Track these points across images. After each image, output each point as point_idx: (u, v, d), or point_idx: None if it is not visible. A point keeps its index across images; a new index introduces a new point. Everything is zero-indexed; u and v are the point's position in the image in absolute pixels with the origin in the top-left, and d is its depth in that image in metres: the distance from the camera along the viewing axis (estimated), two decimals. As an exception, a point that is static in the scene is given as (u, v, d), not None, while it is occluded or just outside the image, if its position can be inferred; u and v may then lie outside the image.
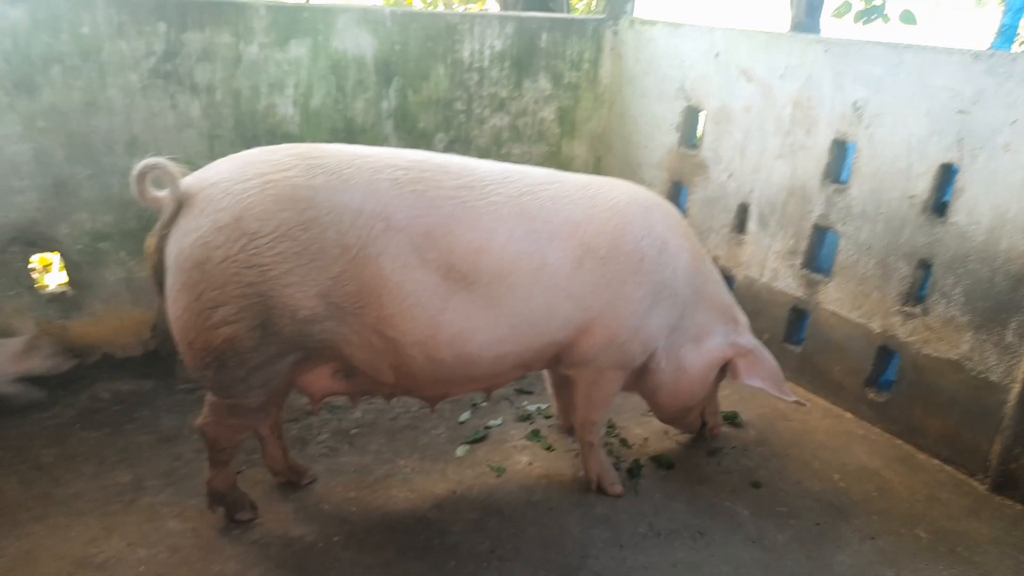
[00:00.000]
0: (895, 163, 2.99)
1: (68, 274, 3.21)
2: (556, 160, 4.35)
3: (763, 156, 3.53)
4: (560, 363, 2.54)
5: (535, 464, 2.87)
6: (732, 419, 3.21)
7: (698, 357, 2.68)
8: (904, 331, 3.07)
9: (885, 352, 3.20)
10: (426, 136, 3.86)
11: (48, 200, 3.03)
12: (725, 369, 2.78)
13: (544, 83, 4.13)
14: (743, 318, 2.79)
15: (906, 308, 3.05)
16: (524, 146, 4.21)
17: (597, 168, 4.54)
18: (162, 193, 2.07)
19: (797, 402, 2.75)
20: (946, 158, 2.82)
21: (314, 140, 3.52)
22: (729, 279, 3.80)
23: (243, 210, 2.00)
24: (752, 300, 3.62)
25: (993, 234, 2.71)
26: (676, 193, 4.10)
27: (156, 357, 3.42)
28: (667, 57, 3.94)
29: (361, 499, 2.61)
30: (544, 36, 4.03)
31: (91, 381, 3.21)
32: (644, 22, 4.06)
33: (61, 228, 3.09)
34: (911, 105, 2.89)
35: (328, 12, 3.39)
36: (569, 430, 3.07)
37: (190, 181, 2.07)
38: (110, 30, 2.94)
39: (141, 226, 3.22)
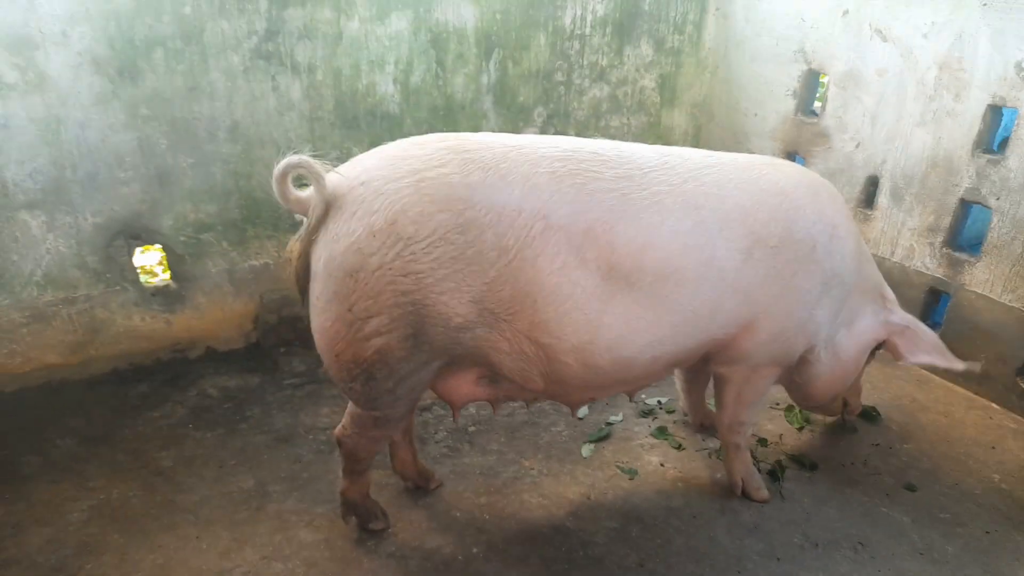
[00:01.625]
0: (1068, 132, 2.68)
1: (171, 267, 3.11)
2: (655, 132, 4.10)
3: (899, 124, 3.23)
4: (712, 361, 2.35)
5: (667, 465, 2.70)
6: (870, 415, 2.98)
7: (851, 342, 2.47)
8: (1071, 317, 2.79)
9: (1043, 339, 2.93)
10: (525, 111, 3.65)
11: (152, 191, 2.92)
12: (874, 350, 2.56)
13: (646, 49, 3.86)
14: (891, 294, 2.55)
15: (1074, 292, 2.77)
16: (623, 117, 3.97)
17: (697, 139, 4.27)
18: (306, 194, 1.91)
19: (969, 368, 2.51)
20: None
21: (414, 119, 3.34)
22: (853, 258, 3.53)
23: (398, 212, 1.83)
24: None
25: None
26: (789, 164, 3.81)
27: (258, 350, 3.34)
28: (784, 16, 3.63)
29: (493, 505, 2.48)
30: (652, -2, 3.75)
31: (197, 376, 3.14)
32: (757, -21, 3.75)
33: (164, 220, 2.99)
34: (1092, 66, 2.58)
35: (429, -19, 3.18)
36: (700, 427, 2.89)
37: (336, 180, 1.91)
38: (211, 9, 2.78)
39: (243, 216, 3.12)
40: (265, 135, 3.05)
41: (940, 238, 3.18)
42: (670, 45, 3.93)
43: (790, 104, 3.70)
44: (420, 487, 2.52)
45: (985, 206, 3.00)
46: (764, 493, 2.52)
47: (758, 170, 2.21)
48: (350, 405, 2.17)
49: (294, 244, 1.96)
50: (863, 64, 3.32)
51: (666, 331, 2.09)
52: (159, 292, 3.10)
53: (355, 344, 1.91)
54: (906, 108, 3.19)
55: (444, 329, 1.93)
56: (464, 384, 2.17)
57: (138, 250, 3.09)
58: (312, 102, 3.10)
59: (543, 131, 3.73)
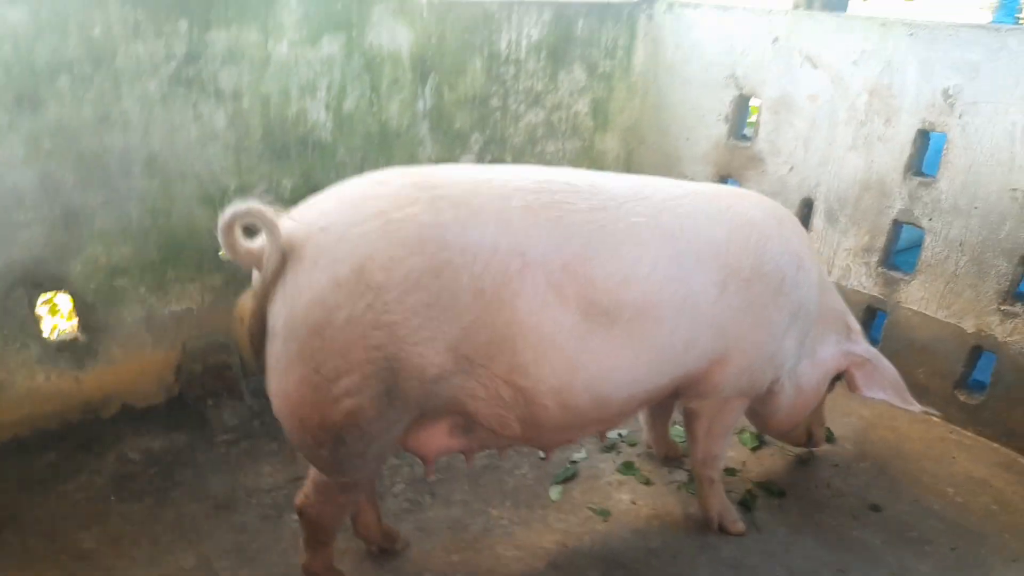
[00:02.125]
0: (994, 155, 2.81)
1: (80, 317, 2.77)
2: (589, 156, 4.06)
3: (832, 148, 3.32)
4: (682, 395, 2.29)
5: (639, 503, 2.61)
6: (827, 438, 3.01)
7: (813, 372, 2.48)
8: (1003, 331, 2.92)
9: (976, 353, 3.05)
10: (462, 137, 3.52)
11: (57, 234, 2.58)
12: (834, 380, 2.58)
13: (579, 73, 3.82)
14: (855, 325, 2.58)
15: (1005, 306, 2.90)
16: (558, 142, 3.91)
17: (628, 163, 4.27)
18: (258, 244, 1.70)
19: (926, 412, 2.58)
20: (1057, 149, 2.66)
21: (347, 148, 3.15)
22: (790, 278, 3.60)
23: (365, 259, 1.65)
24: (819, 300, 3.43)
25: (1114, 230, 2.57)
26: (721, 187, 3.86)
27: (181, 404, 3.02)
28: (715, 42, 3.68)
29: (466, 563, 2.31)
30: (580, 23, 3.71)
31: (114, 439, 2.79)
32: (685, 4, 3.79)
33: (72, 265, 2.65)
34: (1015, 92, 2.71)
35: (363, 2, 3.00)
36: (665, 459, 2.83)
37: (292, 227, 1.70)
38: (125, 31, 2.50)
39: (162, 257, 2.82)
40: (186, 168, 2.78)
41: (875, 258, 3.28)
42: (602, 70, 3.91)
43: (722, 128, 3.75)
44: (385, 549, 2.32)
45: (918, 226, 3.11)
46: (740, 526, 2.47)
47: (726, 200, 2.18)
48: (312, 472, 1.96)
49: (246, 302, 1.74)
50: (794, 89, 3.40)
51: (643, 368, 2.01)
52: (66, 347, 2.75)
53: (323, 408, 1.71)
54: (838, 132, 3.28)
55: (419, 382, 1.76)
56: (437, 436, 2.00)
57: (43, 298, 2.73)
58: (238, 131, 2.85)
59: (480, 158, 3.61)
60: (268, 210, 1.64)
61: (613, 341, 1.92)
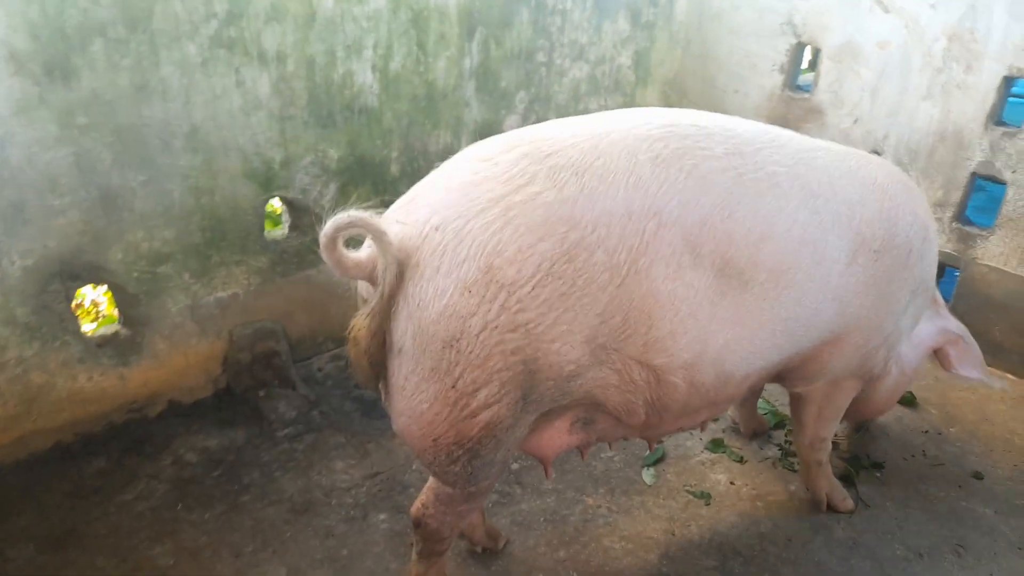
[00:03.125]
0: (1092, 103, 2.67)
1: (121, 310, 2.52)
2: (630, 112, 3.83)
3: (904, 97, 3.15)
4: (787, 379, 2.13)
5: (738, 483, 2.49)
6: (908, 399, 2.91)
7: (915, 352, 2.33)
8: (1092, 287, 2.82)
9: (1058, 308, 2.96)
10: (507, 96, 3.27)
11: (95, 219, 2.32)
12: None
13: (623, 24, 3.58)
14: (941, 298, 2.44)
15: (1096, 262, 2.79)
16: (601, 98, 3.68)
17: (668, 117, 4.05)
18: (365, 254, 1.50)
19: (1001, 387, 2.48)
20: None
21: (394, 112, 2.89)
22: (851, 236, 3.47)
23: (491, 255, 1.46)
24: (883, 258, 3.30)
25: None
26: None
27: (231, 397, 2.80)
28: (768, -13, 3.45)
29: (575, 558, 2.17)
30: (627, -32, 3.45)
31: (165, 440, 2.58)
32: (735, -53, 3.54)
33: (112, 253, 2.39)
34: (1120, 36, 2.56)
35: (409, -50, 2.72)
36: (752, 435, 2.70)
37: (402, 231, 1.50)
38: (160, -13, 2.20)
39: (206, 240, 2.57)
40: (229, 140, 2.51)
41: (949, 213, 3.14)
42: (645, 19, 3.66)
43: (777, 79, 3.55)
44: (488, 548, 2.17)
45: (999, 180, 2.97)
46: (850, 503, 2.37)
47: (853, 159, 1.99)
48: (432, 482, 1.78)
49: (361, 321, 1.53)
50: (861, 36, 3.20)
51: (766, 342, 1.84)
52: (107, 342, 2.50)
53: (460, 424, 1.54)
54: (911, 81, 3.11)
55: (556, 381, 1.59)
56: (558, 434, 1.83)
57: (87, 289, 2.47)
58: (283, 98, 2.58)
59: (525, 118, 3.37)
60: (372, 217, 1.43)
61: (742, 308, 1.74)
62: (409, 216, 1.53)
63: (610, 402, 1.72)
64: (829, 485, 2.36)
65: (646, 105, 3.90)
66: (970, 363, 2.39)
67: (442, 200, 1.53)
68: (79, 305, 3.15)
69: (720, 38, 3.71)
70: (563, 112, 3.51)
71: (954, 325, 2.40)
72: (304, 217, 2.83)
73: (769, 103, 3.61)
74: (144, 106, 2.29)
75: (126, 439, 2.55)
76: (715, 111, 3.73)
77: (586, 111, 3.59)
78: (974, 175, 3.04)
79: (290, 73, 2.57)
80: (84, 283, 2.41)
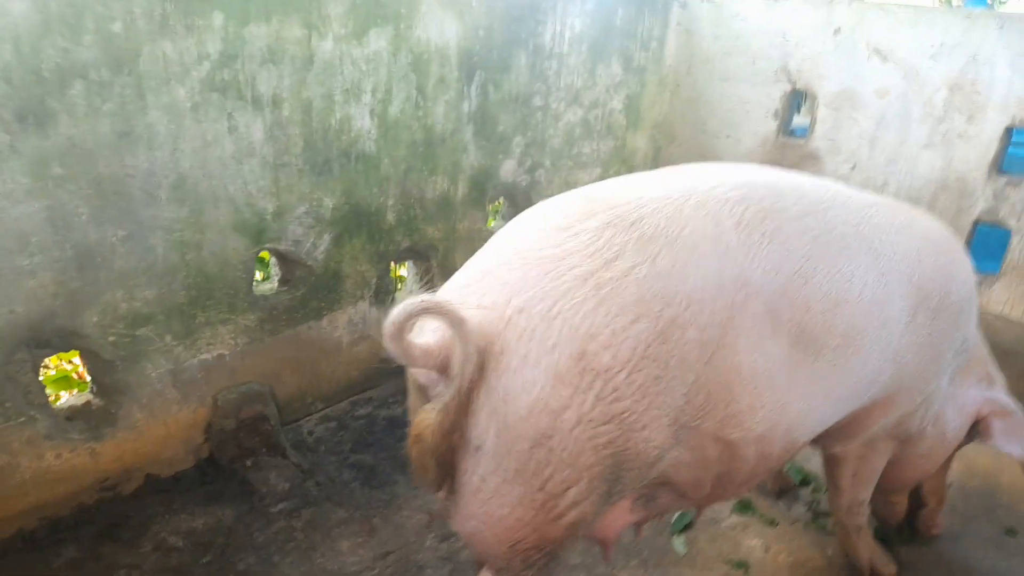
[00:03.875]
0: (1097, 152, 2.68)
1: (94, 379, 2.26)
2: (621, 156, 3.76)
3: (903, 146, 3.14)
4: (823, 438, 2.02)
5: (773, 548, 2.35)
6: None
7: (957, 418, 2.20)
8: (1100, 334, 2.81)
9: (1064, 356, 2.95)
10: (505, 141, 3.14)
11: (69, 280, 2.07)
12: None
13: (616, 67, 3.51)
14: (998, 374, 2.28)
15: (1103, 310, 2.79)
16: (594, 143, 3.58)
17: (656, 162, 3.99)
18: (436, 340, 1.32)
19: None
20: None
21: (391, 159, 2.72)
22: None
23: (585, 339, 1.30)
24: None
25: None
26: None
27: (215, 468, 2.55)
28: (762, 34, 3.43)
29: (614, 647, 1.99)
30: (620, 12, 3.39)
31: (144, 521, 2.30)
32: (727, -7, 3.53)
33: (87, 316, 2.14)
34: (1124, 87, 2.59)
35: (411, -9, 2.58)
36: (779, 493, 2.57)
37: (480, 316, 1.33)
38: (150, 26, 2.01)
39: (191, 299, 2.34)
40: (219, 190, 2.30)
41: (950, 260, 3.12)
42: (637, 63, 3.61)
43: (771, 125, 3.52)
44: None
45: (1003, 227, 2.96)
46: (893, 568, 2.25)
47: (904, 214, 1.91)
48: (485, 572, 1.59)
49: (430, 417, 1.34)
50: (859, 84, 3.19)
51: (831, 408, 1.73)
52: (78, 414, 2.24)
53: (544, 527, 1.36)
54: (911, 130, 3.10)
55: (640, 469, 1.43)
56: (620, 514, 1.67)
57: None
58: (277, 144, 2.39)
59: (520, 163, 3.24)
60: (448, 302, 1.25)
61: (814, 375, 1.63)
62: (485, 297, 1.36)
63: (680, 479, 1.58)
64: (870, 549, 2.24)
65: (636, 149, 3.83)
66: (1016, 440, 2.25)
67: (523, 278, 1.36)
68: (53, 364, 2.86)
69: (711, 83, 3.68)
70: (558, 156, 3.40)
71: (1005, 399, 2.27)
72: (296, 270, 2.62)
73: (763, 149, 3.58)
74: (127, 155, 2.07)
75: (100, 522, 2.27)
76: (706, 156, 3.71)
77: (579, 155, 3.50)
78: (977, 222, 3.03)
79: (285, 118, 2.38)
80: (54, 350, 2.15)
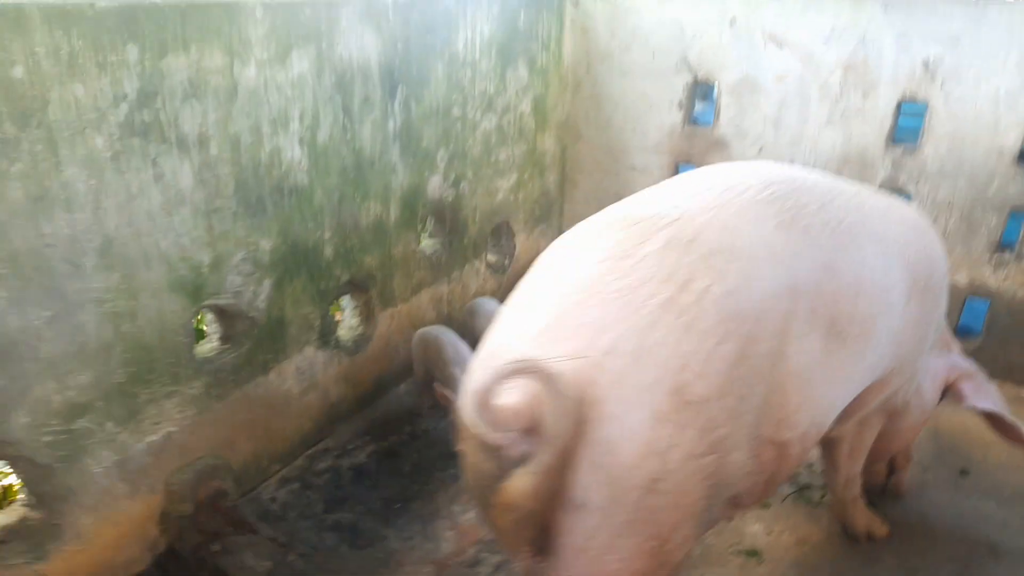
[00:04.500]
0: (979, 119, 2.96)
1: (30, 489, 1.90)
2: (532, 159, 3.72)
3: (806, 126, 3.32)
4: None
5: (774, 531, 2.41)
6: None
7: (932, 387, 2.31)
8: (996, 279, 3.12)
9: (963, 304, 3.25)
10: (430, 156, 3.00)
11: (-10, 379, 1.72)
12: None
13: (522, 71, 3.45)
14: (955, 342, 2.42)
15: (996, 257, 3.10)
16: (509, 148, 3.51)
17: (563, 162, 3.99)
18: (520, 402, 1.21)
19: None
20: (1039, 107, 2.85)
21: (324, 188, 2.51)
22: (766, 258, 3.60)
23: (678, 371, 1.25)
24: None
25: (1096, 175, 2.82)
26: (671, 176, 3.74)
27: (176, 560, 2.24)
28: (659, 28, 3.50)
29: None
30: (522, 14, 3.33)
31: (109, 639, 1.98)
32: (620, -11, 3.56)
33: (16, 418, 1.79)
34: (997, 60, 2.86)
35: (330, 6, 2.37)
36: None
37: (570, 367, 1.22)
38: (57, 66, 1.69)
39: (130, 376, 2.04)
40: (150, 249, 2.00)
41: (857, 227, 3.35)
42: (540, 64, 3.57)
43: (676, 116, 3.61)
44: None
45: (904, 193, 3.21)
46: (886, 528, 2.37)
47: (883, 199, 1.99)
48: None
49: (524, 482, 1.21)
50: (758, 71, 3.34)
51: (848, 394, 1.79)
52: (14, 534, 1.87)
53: (655, 574, 1.28)
54: (811, 110, 3.28)
55: (728, 492, 1.39)
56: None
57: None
58: (207, 188, 2.12)
59: (445, 176, 3.11)
60: (534, 360, 1.16)
61: (841, 364, 1.66)
62: (566, 343, 1.26)
63: (742, 488, 1.55)
64: (866, 517, 2.35)
65: (545, 150, 3.80)
66: (985, 397, 2.39)
67: (602, 316, 1.28)
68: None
69: (612, 79, 3.71)
70: (477, 165, 3.30)
71: (965, 363, 2.38)
72: (237, 324, 2.35)
73: (670, 139, 3.66)
74: (44, 222, 1.75)
75: (52, 656, 1.92)
76: (614, 152, 3.75)
77: (497, 162, 3.42)
78: (879, 189, 3.26)
79: (214, 158, 2.12)
80: (-24, 465, 1.78)
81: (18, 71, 1.62)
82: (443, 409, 2.76)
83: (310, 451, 2.74)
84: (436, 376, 2.76)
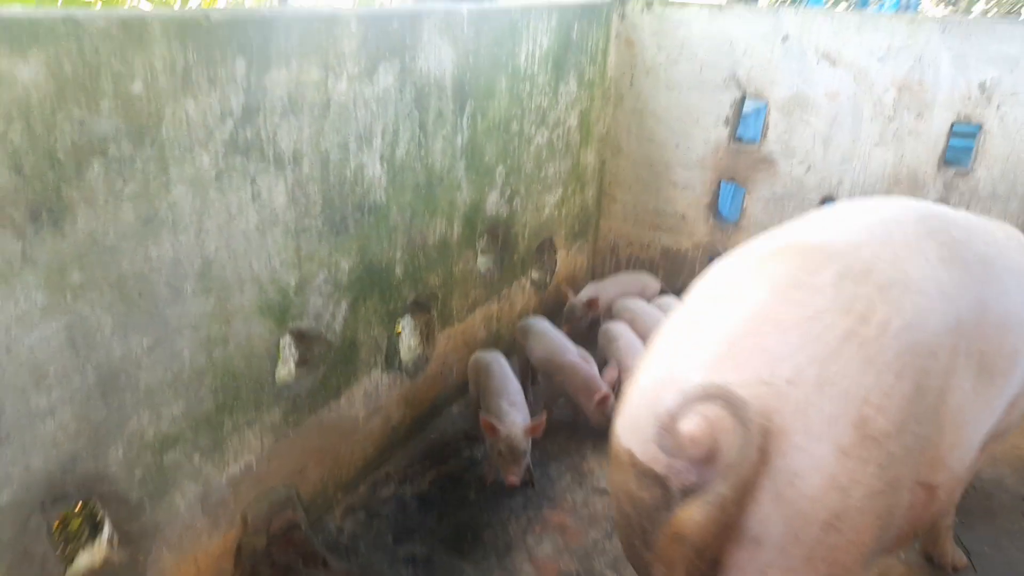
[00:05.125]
0: (1035, 142, 3.00)
1: (116, 527, 1.78)
2: (576, 174, 3.67)
3: (856, 145, 3.32)
4: None
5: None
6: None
7: None
8: (1044, 301, 3.15)
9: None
10: (490, 172, 2.93)
11: (92, 411, 1.61)
12: None
13: (572, 84, 3.40)
14: None
15: (1045, 279, 3.13)
16: (556, 163, 3.46)
17: (602, 176, 3.95)
18: (698, 428, 1.19)
19: None
20: (1097, 132, 2.89)
21: (399, 206, 2.43)
22: (810, 276, 3.60)
23: (861, 404, 1.23)
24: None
25: None
26: (714, 193, 3.72)
27: (252, 594, 2.13)
28: (708, 42, 3.48)
29: None
30: (576, 27, 3.29)
31: None
32: (668, 3, 3.53)
33: (112, 453, 1.68)
34: (1055, 83, 2.90)
35: (415, 19, 2.29)
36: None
37: (755, 394, 1.19)
38: (173, 81, 1.59)
39: (218, 404, 1.96)
40: (244, 271, 1.90)
41: (905, 247, 3.36)
42: (588, 77, 3.52)
43: (723, 132, 3.59)
44: None
45: (953, 213, 3.23)
46: (964, 557, 2.36)
47: (996, 226, 1.99)
48: None
49: (698, 513, 1.18)
50: (809, 88, 3.34)
51: (983, 436, 1.76)
52: (100, 574, 1.76)
53: None
54: (862, 129, 3.29)
55: (888, 538, 1.36)
56: None
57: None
58: (298, 207, 2.03)
59: (501, 193, 3.04)
60: (722, 386, 1.15)
61: (986, 402, 1.64)
62: (743, 371, 1.22)
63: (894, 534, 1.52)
64: (952, 547, 2.34)
65: (587, 164, 3.76)
66: None
67: (782, 344, 1.25)
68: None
69: (657, 93, 3.68)
70: (530, 181, 3.23)
71: None
72: (315, 348, 2.26)
73: (715, 156, 3.64)
74: (152, 244, 1.64)
75: None
76: (655, 167, 3.72)
77: (545, 178, 3.37)
78: (928, 211, 3.28)
79: (305, 176, 2.02)
80: (71, 504, 1.66)
81: (137, 86, 1.52)
82: (482, 438, 2.70)
83: (370, 477, 2.64)
84: (482, 405, 2.70)
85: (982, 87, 3.03)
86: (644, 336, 3.06)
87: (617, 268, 4.07)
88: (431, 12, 2.36)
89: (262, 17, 1.77)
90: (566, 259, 3.80)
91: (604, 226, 4.05)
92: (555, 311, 3.63)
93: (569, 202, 3.67)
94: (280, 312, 2.06)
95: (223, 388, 1.93)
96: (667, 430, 1.13)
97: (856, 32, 3.18)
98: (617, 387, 2.86)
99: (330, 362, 2.31)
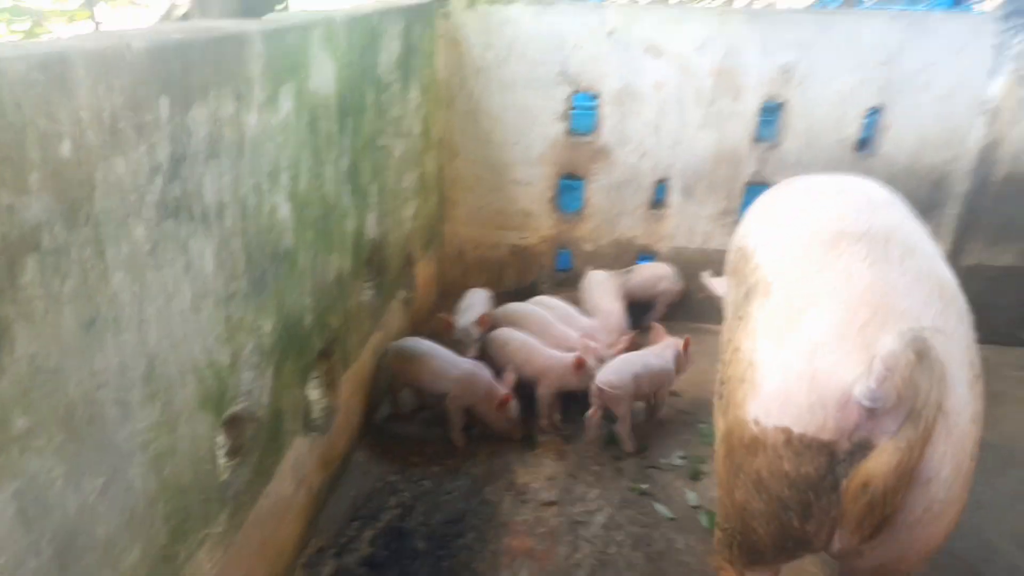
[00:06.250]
0: (829, 114, 3.45)
1: None
2: (422, 181, 3.50)
3: (684, 129, 3.57)
4: None
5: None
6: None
7: None
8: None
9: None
10: (368, 193, 2.67)
11: (56, 596, 1.18)
12: None
13: (415, 90, 3.22)
14: None
15: (844, 231, 3.66)
16: (410, 173, 3.27)
17: (440, 181, 3.81)
18: (887, 376, 1.31)
19: None
20: (874, 102, 3.41)
21: (304, 248, 2.14)
22: (652, 253, 3.84)
23: (966, 348, 1.48)
24: (685, 265, 3.74)
25: (916, 155, 3.47)
26: (556, 188, 3.79)
27: None
28: (537, 39, 3.50)
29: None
30: (415, 29, 3.10)
31: None
32: (493, 1, 3.48)
33: (79, 639, 1.25)
34: (842, 62, 3.36)
35: (304, 32, 1.98)
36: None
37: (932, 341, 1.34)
38: (101, 135, 1.19)
39: (170, 529, 1.58)
40: (185, 360, 1.52)
41: (731, 219, 3.71)
42: (424, 81, 3.35)
43: (559, 127, 3.64)
44: None
45: (768, 184, 3.62)
46: None
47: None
48: None
49: (886, 458, 1.28)
50: (638, 79, 3.51)
51: None
52: None
53: None
54: (688, 115, 3.54)
55: None
56: None
57: None
58: (225, 270, 1.66)
59: (378, 214, 2.79)
60: (918, 331, 1.30)
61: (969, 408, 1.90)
62: (901, 326, 1.35)
63: None
64: None
65: (428, 171, 3.60)
66: None
67: (909, 306, 1.43)
68: None
69: (490, 93, 3.62)
70: (393, 197, 3.01)
71: None
72: (247, 431, 1.89)
73: (554, 150, 3.69)
74: (97, 354, 1.23)
75: None
76: (494, 166, 3.72)
77: (403, 190, 3.18)
78: (748, 184, 3.65)
79: (228, 231, 1.66)
80: None
81: (66, 147, 1.11)
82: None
83: (303, 559, 2.30)
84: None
85: (783, 69, 3.41)
86: (541, 334, 3.06)
87: (465, 272, 3.98)
88: (315, 20, 2.05)
89: (179, 43, 1.39)
90: (422, 271, 3.62)
91: (449, 231, 3.92)
92: (423, 329, 3.44)
93: (421, 213, 3.49)
94: (218, 399, 1.68)
95: (175, 512, 1.53)
96: (889, 378, 1.23)
97: (676, 24, 3.40)
98: (516, 390, 2.83)
99: (261, 443, 1.95)
